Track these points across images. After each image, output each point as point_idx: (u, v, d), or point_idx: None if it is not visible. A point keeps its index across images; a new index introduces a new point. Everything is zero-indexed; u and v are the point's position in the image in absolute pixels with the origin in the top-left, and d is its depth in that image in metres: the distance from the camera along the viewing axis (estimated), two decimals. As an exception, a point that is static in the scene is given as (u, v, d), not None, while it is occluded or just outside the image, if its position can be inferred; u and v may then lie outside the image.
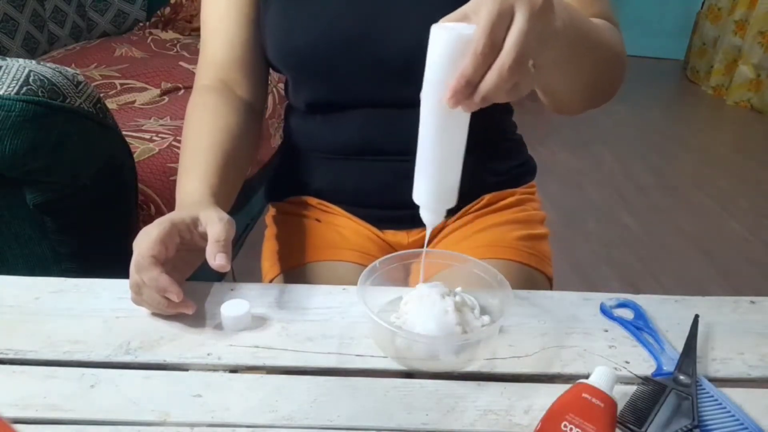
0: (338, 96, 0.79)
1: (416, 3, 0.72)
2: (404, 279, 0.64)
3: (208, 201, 0.65)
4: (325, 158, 0.84)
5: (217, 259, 0.57)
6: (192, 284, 0.65)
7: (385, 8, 0.73)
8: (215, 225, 0.59)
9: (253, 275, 0.90)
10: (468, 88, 0.46)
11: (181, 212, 0.62)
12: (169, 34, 2.22)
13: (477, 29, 0.45)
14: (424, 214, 0.56)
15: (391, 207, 0.85)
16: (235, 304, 0.60)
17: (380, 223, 0.86)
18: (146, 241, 0.58)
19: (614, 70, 0.68)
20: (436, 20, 0.71)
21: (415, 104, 0.81)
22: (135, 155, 1.13)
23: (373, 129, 0.80)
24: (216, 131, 0.74)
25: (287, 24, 0.75)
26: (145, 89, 1.70)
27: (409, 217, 0.86)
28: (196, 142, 0.73)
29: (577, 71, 0.61)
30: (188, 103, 0.79)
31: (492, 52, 0.45)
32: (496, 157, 0.87)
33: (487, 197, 0.87)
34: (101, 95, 0.95)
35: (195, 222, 0.61)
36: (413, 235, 0.86)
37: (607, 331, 0.61)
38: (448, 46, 0.46)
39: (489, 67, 0.45)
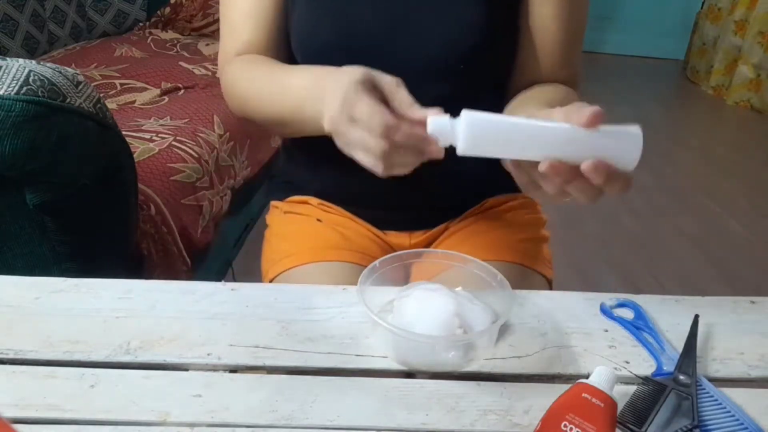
0: None
1: (440, 9, 0.72)
2: (404, 279, 0.64)
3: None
4: (327, 158, 0.84)
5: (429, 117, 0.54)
6: (192, 284, 0.65)
7: (409, 14, 0.73)
8: (400, 89, 0.56)
9: (253, 275, 0.90)
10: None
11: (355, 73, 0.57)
12: (169, 34, 2.22)
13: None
14: None
15: (393, 209, 0.84)
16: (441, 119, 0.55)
17: (382, 224, 0.86)
18: (374, 105, 0.54)
19: None
20: (458, 27, 0.71)
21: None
22: (135, 155, 1.13)
23: None
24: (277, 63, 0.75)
25: (312, 21, 0.75)
26: (145, 89, 1.70)
27: (412, 219, 0.86)
28: (269, 73, 0.73)
29: None
30: (225, 75, 0.79)
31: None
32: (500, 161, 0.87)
33: (490, 201, 0.87)
34: (101, 95, 0.95)
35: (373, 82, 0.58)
36: (416, 237, 0.86)
37: (607, 331, 0.61)
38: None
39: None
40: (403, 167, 0.57)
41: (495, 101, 0.82)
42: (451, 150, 0.54)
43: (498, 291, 0.60)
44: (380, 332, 0.58)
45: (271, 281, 0.83)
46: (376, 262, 0.62)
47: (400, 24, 0.73)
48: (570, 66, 0.78)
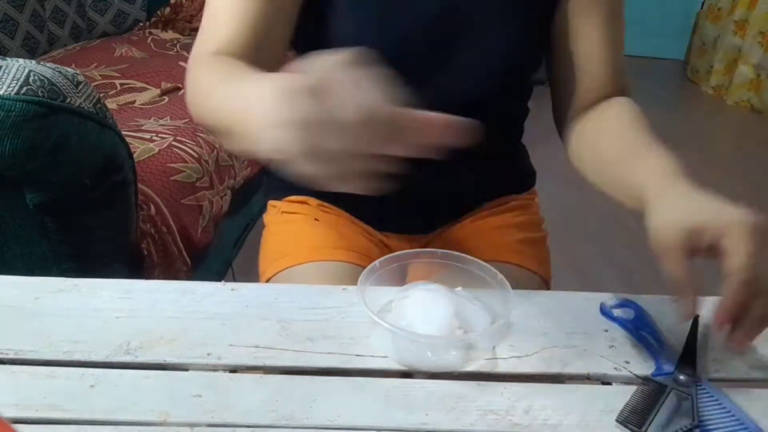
0: None
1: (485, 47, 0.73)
2: (404, 279, 0.64)
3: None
4: (326, 158, 0.84)
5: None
6: (192, 284, 0.65)
7: (458, 41, 0.72)
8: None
9: (253, 275, 0.90)
10: None
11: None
12: (169, 34, 2.22)
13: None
14: None
15: (392, 211, 0.84)
16: None
17: (381, 225, 0.86)
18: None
19: None
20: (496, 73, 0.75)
21: None
22: (135, 155, 1.13)
23: None
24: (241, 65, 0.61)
25: (358, 35, 0.70)
26: (145, 89, 1.70)
27: (410, 221, 0.86)
28: (227, 73, 0.59)
29: None
30: (190, 74, 0.64)
31: None
32: (501, 167, 0.87)
33: (488, 203, 0.87)
34: (101, 95, 0.95)
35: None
36: (414, 238, 0.86)
37: (607, 331, 0.61)
38: None
39: None
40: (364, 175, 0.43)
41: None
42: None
43: (498, 291, 0.60)
44: (380, 332, 0.58)
45: (268, 281, 0.82)
46: (376, 262, 0.62)
47: (447, 52, 0.73)
48: (620, 73, 0.80)
